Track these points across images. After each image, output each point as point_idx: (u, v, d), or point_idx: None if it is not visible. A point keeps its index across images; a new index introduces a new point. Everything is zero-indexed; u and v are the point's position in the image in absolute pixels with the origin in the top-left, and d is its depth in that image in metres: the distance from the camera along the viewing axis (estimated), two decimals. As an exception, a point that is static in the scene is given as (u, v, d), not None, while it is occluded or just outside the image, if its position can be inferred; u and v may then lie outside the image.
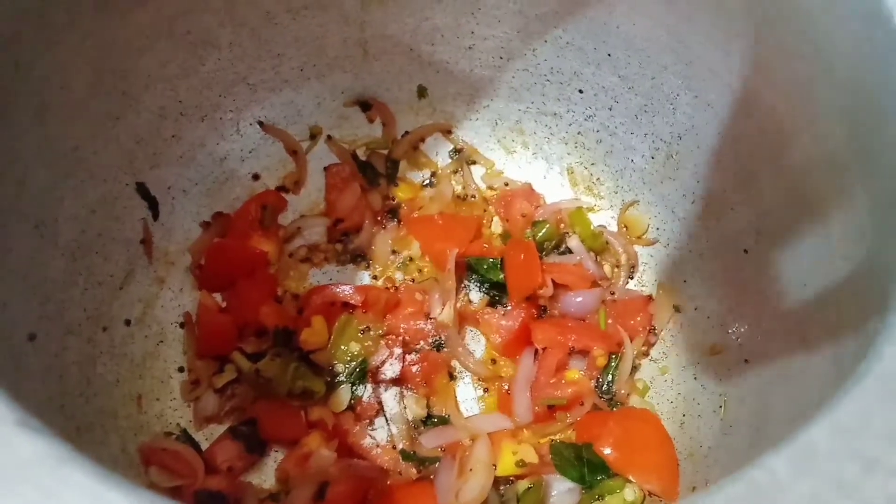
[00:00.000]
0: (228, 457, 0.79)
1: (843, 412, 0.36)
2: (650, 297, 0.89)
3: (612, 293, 0.90)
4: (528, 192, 0.95)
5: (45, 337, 0.68)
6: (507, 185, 0.97)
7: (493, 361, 0.88)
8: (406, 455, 0.82)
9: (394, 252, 0.93)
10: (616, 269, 0.92)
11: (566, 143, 0.94)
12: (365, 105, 0.96)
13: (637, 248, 0.92)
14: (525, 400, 0.84)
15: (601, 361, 0.85)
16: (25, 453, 0.31)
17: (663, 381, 0.85)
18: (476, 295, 0.91)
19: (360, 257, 0.93)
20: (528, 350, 0.86)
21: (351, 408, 0.83)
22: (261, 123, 0.92)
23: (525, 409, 0.83)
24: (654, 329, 0.87)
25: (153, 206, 0.84)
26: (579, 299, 0.89)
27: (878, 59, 0.56)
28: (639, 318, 0.87)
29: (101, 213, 0.77)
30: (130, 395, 0.79)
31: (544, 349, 0.85)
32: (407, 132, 0.97)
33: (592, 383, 0.85)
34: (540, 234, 0.92)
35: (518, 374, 0.85)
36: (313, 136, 0.96)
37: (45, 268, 0.70)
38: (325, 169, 0.95)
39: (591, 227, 0.92)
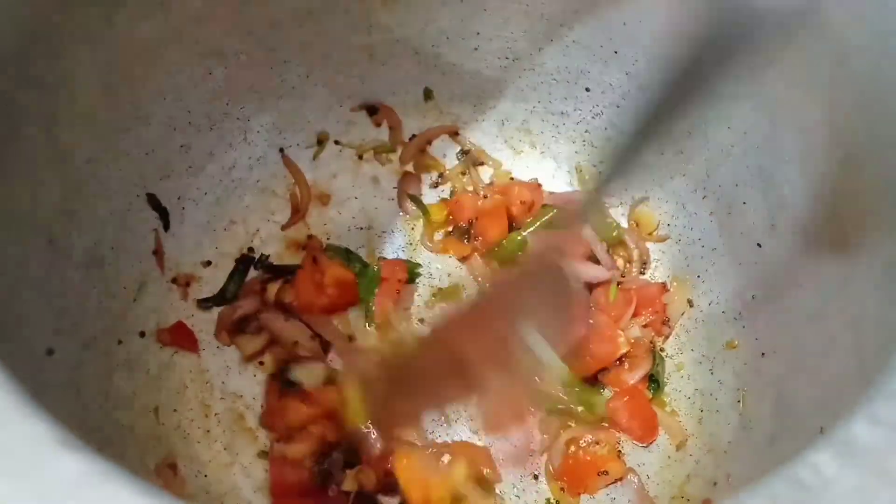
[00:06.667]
0: None
1: (880, 405, 0.36)
2: (664, 286, 0.88)
3: (620, 282, 0.89)
4: (532, 185, 0.94)
5: (63, 351, 0.67)
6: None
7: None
8: None
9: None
10: (628, 265, 0.91)
11: (574, 142, 0.94)
12: (371, 109, 0.96)
13: (648, 244, 0.92)
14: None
15: None
16: (69, 472, 0.31)
17: (679, 378, 0.85)
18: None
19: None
20: None
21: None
22: (281, 150, 0.93)
23: None
24: (668, 320, 0.87)
25: (164, 216, 0.84)
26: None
27: (892, 51, 0.56)
28: (650, 308, 0.87)
29: (113, 226, 0.77)
30: (147, 408, 0.79)
31: None
32: (414, 135, 0.97)
33: None
34: (544, 219, 0.90)
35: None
36: (320, 142, 0.96)
37: (60, 282, 0.69)
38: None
39: (607, 218, 0.92)
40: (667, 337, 0.87)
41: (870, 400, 0.37)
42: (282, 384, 0.83)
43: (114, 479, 0.31)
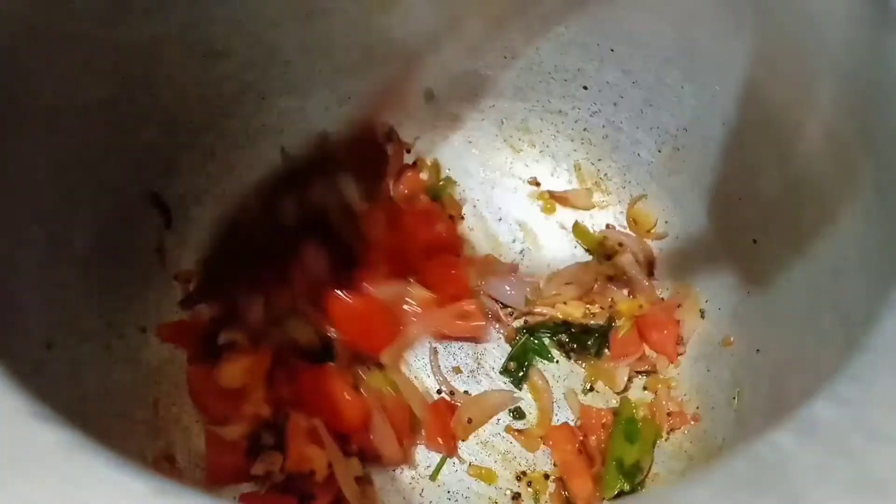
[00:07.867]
0: None
1: (844, 385, 0.37)
2: (677, 305, 0.86)
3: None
4: None
5: (63, 345, 0.69)
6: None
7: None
8: None
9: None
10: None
11: (572, 140, 0.95)
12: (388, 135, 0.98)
13: (646, 241, 0.92)
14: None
15: None
16: (43, 442, 0.32)
17: (675, 375, 0.85)
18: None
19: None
20: None
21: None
22: (283, 149, 0.94)
23: None
24: (682, 339, 0.85)
25: (166, 214, 0.86)
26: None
27: (882, 50, 0.56)
28: (665, 332, 0.85)
29: (115, 223, 0.78)
30: (147, 401, 0.80)
31: None
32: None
33: None
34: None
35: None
36: (321, 141, 0.97)
37: (61, 277, 0.71)
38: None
39: (591, 233, 0.94)
40: (680, 355, 0.85)
41: (832, 380, 0.37)
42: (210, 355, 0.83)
43: (88, 450, 0.32)
